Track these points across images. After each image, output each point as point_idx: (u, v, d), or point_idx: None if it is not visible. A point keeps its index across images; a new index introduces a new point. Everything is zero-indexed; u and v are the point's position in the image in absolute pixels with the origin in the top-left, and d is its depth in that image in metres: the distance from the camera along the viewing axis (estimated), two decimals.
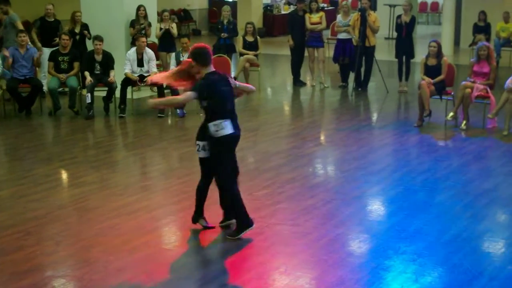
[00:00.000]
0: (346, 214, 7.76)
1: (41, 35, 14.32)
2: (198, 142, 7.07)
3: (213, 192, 7.25)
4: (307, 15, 15.33)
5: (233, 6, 22.87)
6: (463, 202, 8.15)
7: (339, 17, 15.56)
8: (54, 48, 13.33)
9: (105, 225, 7.42)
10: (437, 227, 7.40)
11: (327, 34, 18.69)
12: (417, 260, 6.56)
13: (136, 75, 12.71)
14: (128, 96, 12.82)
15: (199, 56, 6.99)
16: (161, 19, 15.06)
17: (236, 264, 6.49)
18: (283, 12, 26.32)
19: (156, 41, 14.79)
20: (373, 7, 15.82)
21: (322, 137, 11.68)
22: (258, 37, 15.57)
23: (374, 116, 13.29)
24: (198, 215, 7.30)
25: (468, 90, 11.54)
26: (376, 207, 8.17)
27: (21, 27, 13.73)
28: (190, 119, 12.28)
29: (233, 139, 7.03)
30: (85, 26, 14.08)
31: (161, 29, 14.81)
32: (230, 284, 6.11)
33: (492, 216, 7.81)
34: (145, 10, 14.14)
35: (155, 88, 13.33)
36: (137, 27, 13.95)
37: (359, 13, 14.73)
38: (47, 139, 11.68)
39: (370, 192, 8.66)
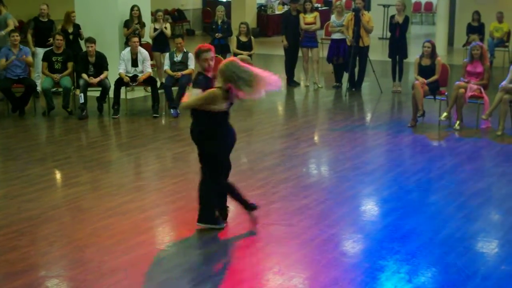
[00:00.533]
0: (339, 214, 7.77)
1: (35, 35, 14.30)
2: None
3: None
4: (301, 15, 15.33)
5: (227, 6, 22.86)
6: (457, 202, 8.17)
7: (333, 17, 15.57)
8: (48, 48, 13.30)
9: (99, 225, 7.42)
10: (430, 227, 7.41)
11: (321, 34, 18.70)
12: (411, 260, 6.57)
13: (130, 75, 12.69)
14: (122, 96, 12.80)
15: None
16: (155, 19, 15.05)
17: (230, 264, 6.49)
18: (277, 12, 26.32)
19: (150, 41, 14.78)
20: (367, 7, 15.82)
21: (316, 137, 11.69)
22: (252, 37, 15.57)
23: (368, 116, 13.31)
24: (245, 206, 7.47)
25: (462, 90, 11.56)
26: (370, 207, 8.18)
27: (12, 26, 13.69)
28: (184, 119, 12.26)
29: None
30: (77, 26, 14.05)
31: (155, 29, 14.79)
32: (224, 284, 6.11)
33: (486, 216, 7.83)
34: (139, 10, 14.12)
35: (149, 88, 13.33)
36: (132, 28, 13.93)
37: (353, 13, 14.75)
38: (41, 139, 11.66)
39: (364, 192, 8.67)
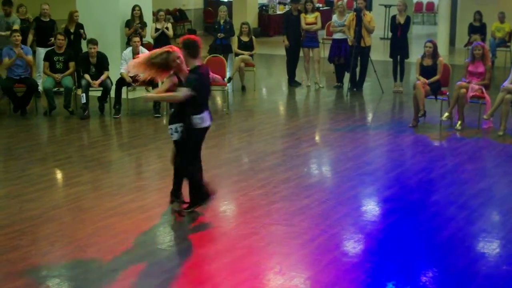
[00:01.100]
0: (341, 214, 7.76)
1: (36, 35, 14.31)
2: (170, 126, 7.57)
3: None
4: (302, 15, 15.32)
5: (229, 6, 22.85)
6: (458, 202, 8.16)
7: (334, 17, 15.57)
8: (50, 48, 13.31)
9: (100, 225, 7.42)
10: (432, 227, 7.41)
11: (322, 34, 18.71)
12: (412, 260, 6.56)
13: (131, 74, 12.68)
14: (123, 96, 12.81)
15: (192, 47, 7.20)
16: (156, 19, 15.05)
17: (231, 264, 6.48)
18: (278, 12, 26.31)
19: (151, 41, 14.78)
20: (369, 7, 15.86)
21: (317, 137, 11.68)
22: (253, 37, 15.57)
23: (369, 116, 13.30)
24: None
25: (463, 90, 11.56)
26: (371, 208, 8.18)
27: (15, 27, 13.73)
28: None
29: (207, 129, 7.55)
30: (80, 26, 14.06)
31: (156, 29, 14.80)
32: (225, 284, 6.10)
33: (487, 217, 7.82)
34: (140, 10, 14.12)
35: (150, 88, 13.31)
36: (133, 27, 13.93)
37: (355, 13, 14.74)
38: (42, 139, 11.67)
39: (365, 192, 8.67)
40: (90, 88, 12.54)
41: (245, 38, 15.34)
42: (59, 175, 9.57)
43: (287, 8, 24.71)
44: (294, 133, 11.55)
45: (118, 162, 10.21)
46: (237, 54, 15.28)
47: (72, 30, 14.03)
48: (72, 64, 12.88)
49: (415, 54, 14.61)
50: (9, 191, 8.57)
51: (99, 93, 12.70)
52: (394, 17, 14.98)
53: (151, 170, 9.78)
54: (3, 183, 9.02)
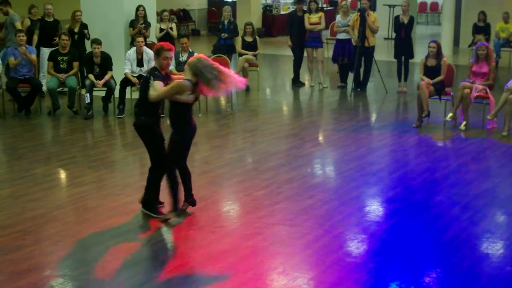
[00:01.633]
0: (344, 215, 7.76)
1: (40, 35, 14.32)
2: None
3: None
4: (306, 15, 15.32)
5: (233, 6, 22.86)
6: (462, 202, 8.15)
7: (338, 17, 15.56)
8: (54, 48, 13.33)
9: (103, 225, 7.42)
10: (435, 228, 7.40)
11: (326, 34, 18.70)
12: (416, 261, 6.56)
13: (135, 75, 12.71)
14: (127, 96, 12.82)
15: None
16: (160, 19, 15.06)
17: (235, 265, 6.48)
18: (282, 12, 26.32)
19: (155, 41, 14.79)
20: (373, 8, 15.84)
21: (321, 138, 11.68)
22: (257, 37, 15.57)
23: (373, 117, 13.29)
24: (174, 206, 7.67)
25: (467, 90, 11.54)
26: (375, 208, 8.17)
27: (19, 27, 13.75)
28: None
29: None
30: (84, 26, 14.07)
31: (161, 29, 14.81)
32: (228, 284, 6.10)
33: (491, 217, 7.81)
34: (144, 10, 14.13)
35: None
36: (137, 27, 13.94)
37: (359, 13, 14.74)
38: (46, 139, 11.68)
39: (369, 192, 8.66)
40: (94, 88, 12.55)
41: (249, 39, 15.34)
42: (63, 175, 9.58)
43: (291, 8, 24.74)
44: (298, 133, 11.55)
45: (122, 162, 10.22)
46: (241, 54, 15.28)
47: (76, 30, 14.04)
48: (76, 64, 12.89)
49: (419, 54, 14.62)
50: (13, 191, 8.58)
51: (103, 93, 12.71)
52: (397, 17, 14.97)
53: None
54: (7, 182, 9.03)
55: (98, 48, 12.56)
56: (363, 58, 14.98)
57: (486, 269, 6.40)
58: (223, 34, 15.32)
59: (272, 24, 26.20)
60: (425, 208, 8.01)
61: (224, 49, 15.12)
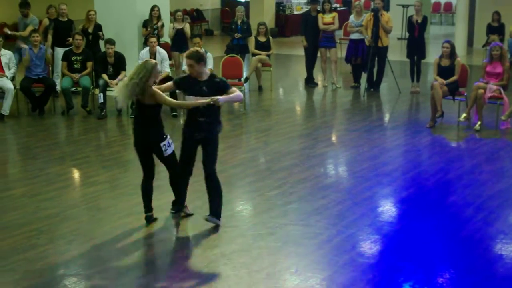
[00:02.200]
0: (357, 215, 7.74)
1: (54, 35, 14.38)
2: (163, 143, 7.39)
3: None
4: (319, 15, 15.30)
5: (246, 6, 22.86)
6: (476, 203, 8.12)
7: (351, 17, 15.54)
8: (68, 48, 13.38)
9: (116, 225, 7.45)
10: (449, 228, 7.38)
11: (339, 34, 18.68)
12: (429, 261, 6.54)
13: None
14: None
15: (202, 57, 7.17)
16: (174, 19, 15.09)
17: (247, 264, 6.49)
18: (295, 12, 26.30)
19: (169, 41, 14.82)
20: (386, 7, 15.78)
21: (334, 138, 11.67)
22: (270, 37, 15.56)
23: (386, 117, 13.26)
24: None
25: (481, 91, 11.50)
26: (388, 208, 8.15)
27: (31, 27, 13.76)
28: None
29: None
30: (98, 27, 14.11)
31: (175, 29, 14.83)
32: (241, 284, 6.11)
33: (505, 218, 7.77)
34: (159, 10, 14.17)
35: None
36: (150, 28, 13.98)
37: (372, 13, 14.71)
38: (60, 139, 11.72)
39: (382, 193, 8.65)
40: (108, 88, 12.58)
41: (262, 38, 15.34)
42: (76, 174, 9.62)
43: (304, 8, 24.71)
44: (311, 133, 11.54)
45: (135, 162, 10.16)
46: (254, 54, 15.28)
47: (90, 30, 14.08)
48: (90, 64, 12.94)
49: (433, 54, 14.57)
50: (27, 190, 8.62)
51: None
52: (411, 17, 14.94)
53: (167, 170, 9.77)
54: (21, 182, 9.07)
55: (111, 48, 12.60)
56: (376, 58, 14.95)
57: (500, 269, 6.37)
58: (236, 34, 15.32)
59: (285, 24, 26.17)
60: (439, 209, 7.99)
61: (237, 49, 15.12)
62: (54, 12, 14.68)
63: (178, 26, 14.84)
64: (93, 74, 13.11)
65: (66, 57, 12.99)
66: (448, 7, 30.30)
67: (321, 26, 15.25)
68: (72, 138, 11.74)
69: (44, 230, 7.29)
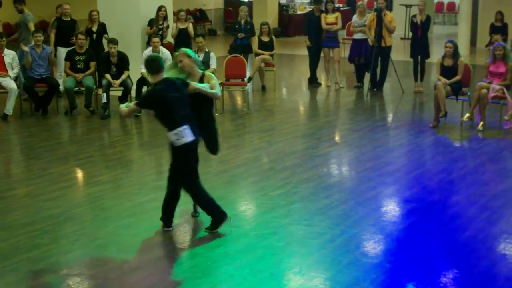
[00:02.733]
0: (361, 215, 7.74)
1: (57, 34, 14.39)
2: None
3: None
4: (323, 15, 15.30)
5: (249, 6, 22.84)
6: (479, 203, 8.12)
7: (355, 17, 15.53)
8: (71, 48, 13.38)
9: (120, 224, 7.46)
10: (452, 228, 7.38)
11: (343, 34, 18.68)
12: (432, 261, 6.54)
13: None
14: None
15: (148, 65, 7.09)
16: (177, 19, 15.09)
17: (251, 264, 6.49)
18: (298, 12, 26.28)
19: (172, 41, 14.83)
20: (389, 7, 15.77)
21: (337, 138, 11.66)
22: (273, 37, 15.57)
23: (390, 117, 13.26)
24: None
25: (484, 90, 11.49)
26: (391, 208, 8.15)
27: (32, 28, 13.74)
28: None
29: (193, 145, 7.08)
30: (102, 26, 14.12)
31: (178, 29, 14.83)
32: (244, 284, 6.11)
33: (508, 218, 7.76)
34: (166, 11, 14.17)
35: None
36: (155, 27, 13.98)
37: (375, 13, 14.70)
38: (63, 138, 11.74)
39: (385, 192, 8.64)
40: (111, 88, 12.60)
41: (265, 38, 15.34)
42: (80, 174, 9.63)
43: (307, 8, 24.69)
44: (314, 133, 11.54)
45: (138, 162, 10.25)
46: (257, 54, 15.27)
47: (94, 29, 14.09)
48: (93, 64, 12.94)
49: (436, 54, 14.55)
50: (30, 190, 8.64)
51: (119, 93, 12.75)
52: (414, 17, 14.93)
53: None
54: (24, 182, 9.09)
55: (114, 48, 12.61)
56: (379, 58, 14.94)
57: (503, 269, 6.36)
58: (239, 34, 15.33)
59: (288, 24, 26.15)
60: (442, 209, 7.99)
61: (241, 49, 15.12)
62: (61, 11, 14.66)
63: (181, 26, 14.84)
64: (96, 74, 13.12)
65: (69, 57, 12.99)
66: (451, 7, 30.26)
67: (324, 26, 15.24)
68: (75, 138, 11.75)
69: (48, 230, 7.30)
